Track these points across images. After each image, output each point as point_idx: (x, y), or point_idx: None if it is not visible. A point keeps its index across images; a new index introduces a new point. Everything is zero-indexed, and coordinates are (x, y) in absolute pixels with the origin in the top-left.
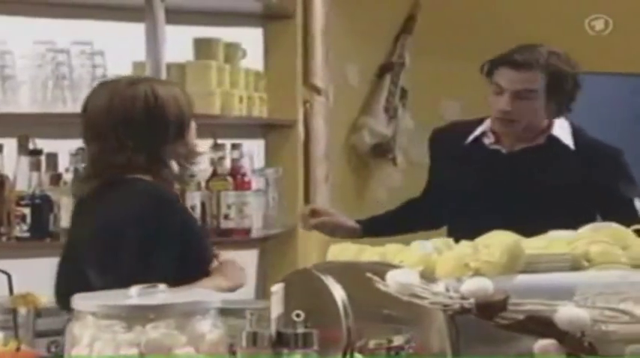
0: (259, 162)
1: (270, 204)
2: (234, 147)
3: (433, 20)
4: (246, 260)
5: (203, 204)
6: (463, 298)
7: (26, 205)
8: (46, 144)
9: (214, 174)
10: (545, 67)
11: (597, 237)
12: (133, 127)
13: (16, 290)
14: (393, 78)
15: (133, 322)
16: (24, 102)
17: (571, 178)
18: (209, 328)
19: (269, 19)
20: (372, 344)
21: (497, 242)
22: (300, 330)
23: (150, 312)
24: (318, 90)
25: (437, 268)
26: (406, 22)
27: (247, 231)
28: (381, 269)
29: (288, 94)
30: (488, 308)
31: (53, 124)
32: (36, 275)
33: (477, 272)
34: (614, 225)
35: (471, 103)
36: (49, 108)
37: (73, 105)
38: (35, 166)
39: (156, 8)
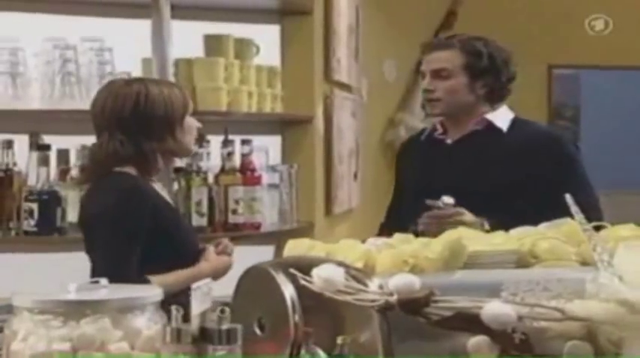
0: (276, 157)
1: (284, 199)
2: (244, 142)
3: (474, 15)
4: (262, 255)
5: (211, 199)
6: (388, 294)
7: (34, 200)
8: (57, 141)
9: (223, 169)
10: (462, 47)
11: (550, 233)
12: (122, 124)
13: (21, 286)
14: None
15: (69, 317)
16: (35, 98)
17: (505, 164)
18: (146, 324)
19: (286, 15)
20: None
21: (440, 238)
22: (225, 326)
23: (86, 308)
24: (343, 86)
25: (377, 264)
26: (447, 18)
27: (257, 226)
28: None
29: (305, 90)
30: (412, 304)
31: (64, 120)
32: (43, 270)
33: (415, 269)
34: (573, 222)
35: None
36: (59, 104)
37: (82, 102)
38: (43, 162)
39: (162, 5)
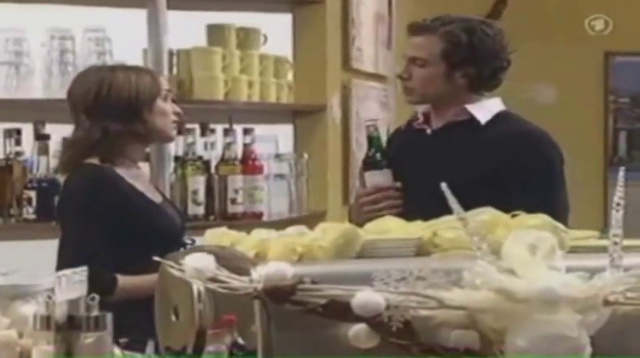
0: (289, 146)
1: (292, 189)
2: (247, 132)
3: (523, 3)
4: None
5: (210, 189)
6: (256, 282)
7: (33, 188)
8: (61, 130)
9: (222, 158)
10: (442, 34)
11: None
12: (87, 110)
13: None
14: None
15: None
16: (38, 88)
17: (477, 157)
18: (34, 311)
19: (298, 4)
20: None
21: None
22: (94, 313)
23: None
24: (368, 76)
25: (269, 253)
26: (495, 6)
27: (259, 215)
28: (221, 253)
29: (317, 79)
30: (277, 293)
31: (65, 110)
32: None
33: (306, 257)
34: (492, 211)
35: (568, 87)
36: (60, 94)
37: None
38: (43, 150)
39: None
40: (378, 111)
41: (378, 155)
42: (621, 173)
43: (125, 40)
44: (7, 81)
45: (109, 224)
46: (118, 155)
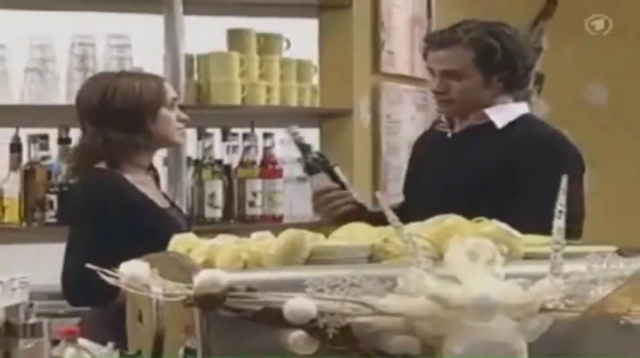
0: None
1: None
2: (266, 136)
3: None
4: None
5: (229, 192)
6: (187, 289)
7: (54, 192)
8: None
9: (241, 162)
10: (469, 43)
11: (430, 229)
12: (91, 116)
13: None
14: None
15: None
16: (63, 94)
17: (491, 162)
18: None
19: (325, 8)
20: None
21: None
22: (31, 320)
23: None
24: (404, 79)
25: (216, 260)
26: (546, 6)
27: (279, 218)
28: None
29: (343, 83)
30: (208, 300)
31: None
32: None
33: (253, 263)
34: (455, 217)
35: (619, 87)
36: None
37: None
38: (64, 155)
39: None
40: (414, 113)
41: (310, 160)
42: (564, 180)
43: (147, 46)
44: (33, 87)
45: (113, 229)
46: (124, 161)
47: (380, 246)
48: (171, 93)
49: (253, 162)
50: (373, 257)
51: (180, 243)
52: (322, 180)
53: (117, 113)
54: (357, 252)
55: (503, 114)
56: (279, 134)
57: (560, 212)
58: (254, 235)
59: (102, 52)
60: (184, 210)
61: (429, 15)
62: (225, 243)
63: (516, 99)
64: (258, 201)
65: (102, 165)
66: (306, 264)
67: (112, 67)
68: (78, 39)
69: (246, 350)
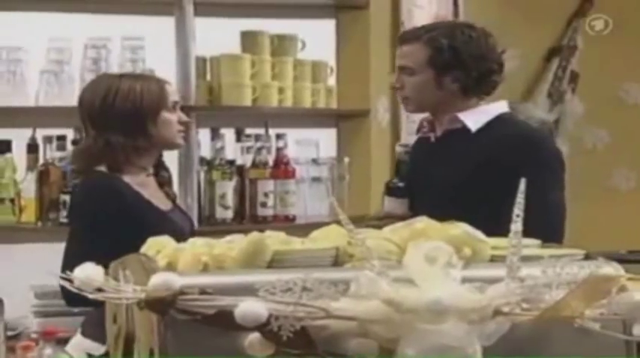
0: (332, 151)
1: (329, 192)
2: (279, 136)
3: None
4: None
5: (242, 192)
6: (139, 292)
7: (67, 193)
8: None
9: (253, 163)
10: (427, 41)
11: (400, 232)
12: (92, 118)
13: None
14: (562, 61)
15: None
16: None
17: (467, 166)
18: None
19: (342, 9)
20: None
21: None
22: None
23: None
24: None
25: (179, 262)
26: (582, 5)
27: (292, 219)
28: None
29: (360, 84)
30: (158, 303)
31: None
32: None
33: (215, 266)
34: (427, 220)
35: None
36: None
37: None
38: None
39: (185, 1)
40: None
41: (400, 183)
42: (522, 185)
43: (160, 48)
44: (49, 88)
45: (112, 231)
46: (125, 164)
47: (344, 249)
48: (172, 96)
49: (265, 163)
50: (338, 260)
51: (154, 244)
52: (392, 203)
53: (118, 115)
54: (321, 255)
55: (476, 116)
56: (293, 134)
57: (518, 216)
58: (227, 238)
59: (115, 54)
60: (195, 211)
61: (456, 14)
62: (190, 246)
63: (548, 97)
64: (270, 202)
65: (102, 168)
66: (268, 268)
67: (125, 69)
68: (91, 41)
69: (205, 352)
